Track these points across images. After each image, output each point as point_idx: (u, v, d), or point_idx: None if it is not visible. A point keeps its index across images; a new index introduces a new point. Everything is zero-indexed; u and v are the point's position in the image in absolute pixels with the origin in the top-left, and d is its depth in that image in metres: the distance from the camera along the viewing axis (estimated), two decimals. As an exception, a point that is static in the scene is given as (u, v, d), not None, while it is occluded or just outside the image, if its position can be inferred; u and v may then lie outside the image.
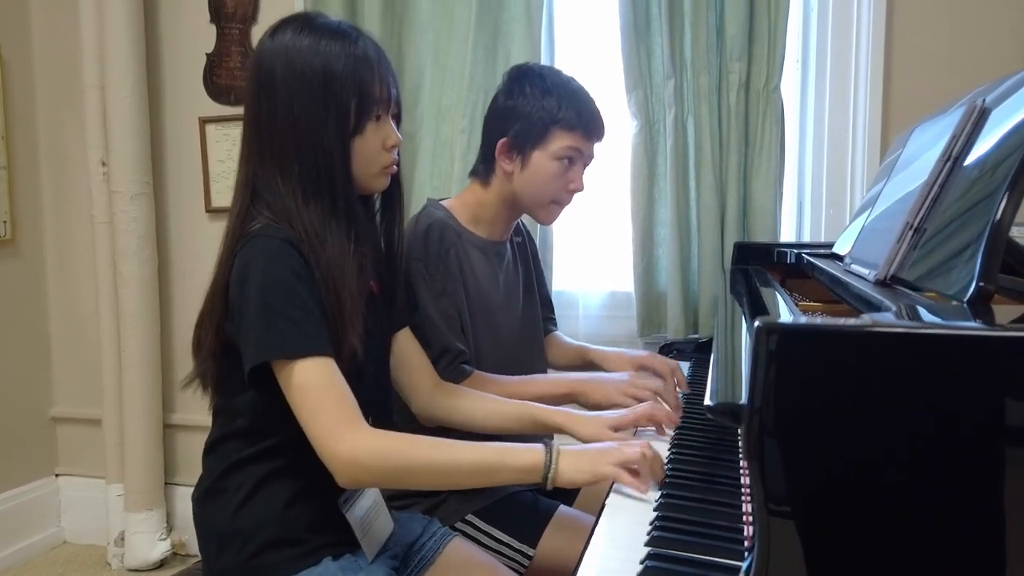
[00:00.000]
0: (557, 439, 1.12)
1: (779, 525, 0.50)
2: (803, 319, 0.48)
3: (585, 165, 1.42)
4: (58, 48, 2.43)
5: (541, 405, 1.23)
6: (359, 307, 1.05)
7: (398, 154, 1.15)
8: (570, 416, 1.19)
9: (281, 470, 1.06)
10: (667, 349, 1.85)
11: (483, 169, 1.43)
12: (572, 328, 2.08)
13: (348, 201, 1.08)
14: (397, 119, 1.15)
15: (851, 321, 0.50)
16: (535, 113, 1.34)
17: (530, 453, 0.97)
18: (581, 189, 1.41)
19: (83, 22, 2.25)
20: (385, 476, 1.00)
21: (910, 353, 0.49)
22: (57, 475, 2.59)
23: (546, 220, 1.45)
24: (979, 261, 0.62)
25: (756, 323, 0.48)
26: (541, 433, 1.24)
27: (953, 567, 0.49)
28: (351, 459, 0.95)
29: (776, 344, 0.48)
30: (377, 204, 1.21)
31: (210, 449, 1.11)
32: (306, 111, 1.04)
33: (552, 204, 1.41)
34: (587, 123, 1.37)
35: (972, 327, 0.54)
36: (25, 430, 2.49)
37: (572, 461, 0.97)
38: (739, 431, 1.00)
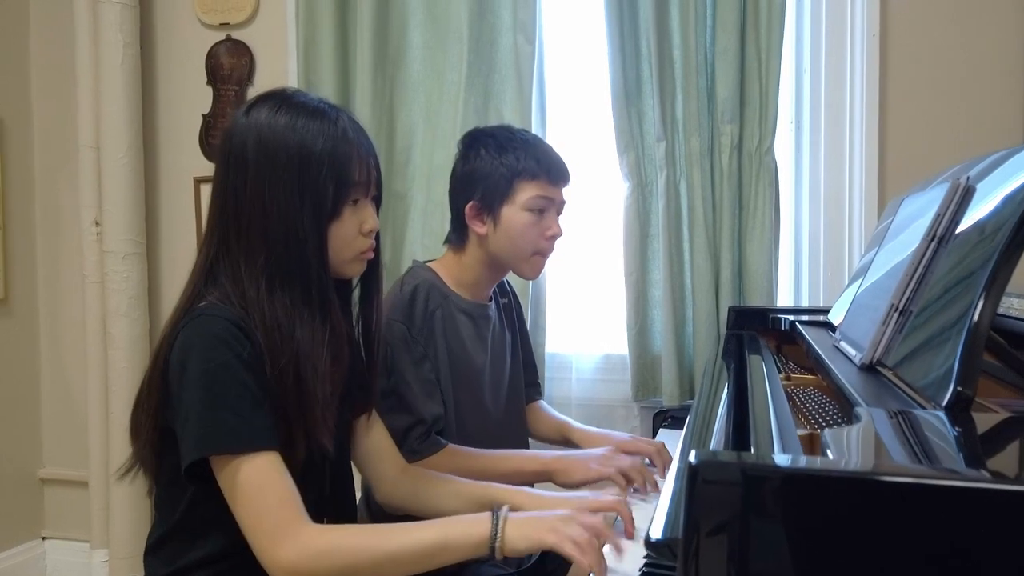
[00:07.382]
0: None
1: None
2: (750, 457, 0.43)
3: (559, 212, 1.39)
4: (56, 109, 2.44)
5: (501, 486, 1.15)
6: (331, 403, 0.99)
7: (377, 239, 1.10)
8: (531, 499, 1.11)
9: (229, 571, 0.98)
10: (661, 417, 1.80)
11: (455, 237, 1.40)
12: (565, 391, 2.03)
13: (323, 289, 1.01)
14: (377, 201, 1.10)
15: (791, 460, 0.45)
16: (495, 171, 1.33)
17: (475, 525, 0.92)
18: (560, 234, 1.38)
19: (80, 83, 2.27)
20: None
21: (875, 499, 0.44)
22: (44, 538, 2.53)
23: (531, 274, 1.42)
24: (956, 366, 0.58)
25: (690, 458, 0.44)
26: None
27: None
28: (294, 567, 0.88)
29: (708, 485, 0.43)
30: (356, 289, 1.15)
31: (152, 549, 1.04)
32: (279, 195, 0.97)
33: (535, 256, 1.38)
34: (548, 168, 1.35)
35: (903, 471, 0.49)
36: (13, 492, 2.45)
37: (518, 527, 0.91)
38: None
